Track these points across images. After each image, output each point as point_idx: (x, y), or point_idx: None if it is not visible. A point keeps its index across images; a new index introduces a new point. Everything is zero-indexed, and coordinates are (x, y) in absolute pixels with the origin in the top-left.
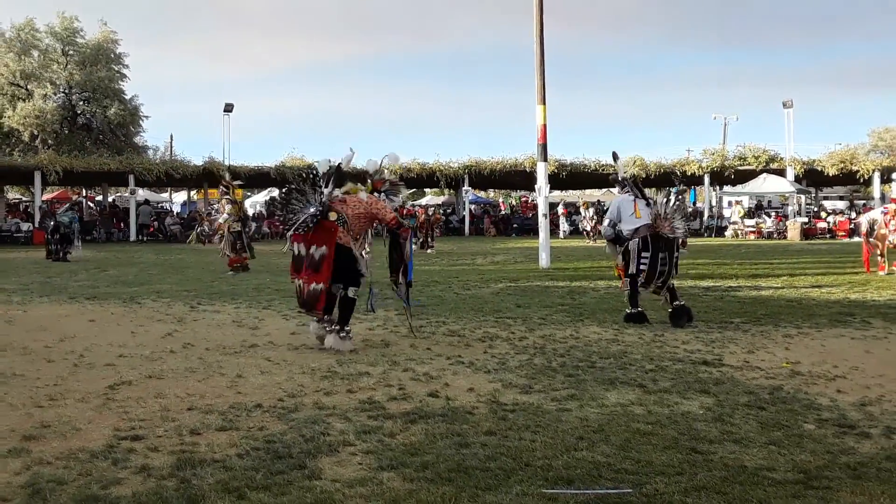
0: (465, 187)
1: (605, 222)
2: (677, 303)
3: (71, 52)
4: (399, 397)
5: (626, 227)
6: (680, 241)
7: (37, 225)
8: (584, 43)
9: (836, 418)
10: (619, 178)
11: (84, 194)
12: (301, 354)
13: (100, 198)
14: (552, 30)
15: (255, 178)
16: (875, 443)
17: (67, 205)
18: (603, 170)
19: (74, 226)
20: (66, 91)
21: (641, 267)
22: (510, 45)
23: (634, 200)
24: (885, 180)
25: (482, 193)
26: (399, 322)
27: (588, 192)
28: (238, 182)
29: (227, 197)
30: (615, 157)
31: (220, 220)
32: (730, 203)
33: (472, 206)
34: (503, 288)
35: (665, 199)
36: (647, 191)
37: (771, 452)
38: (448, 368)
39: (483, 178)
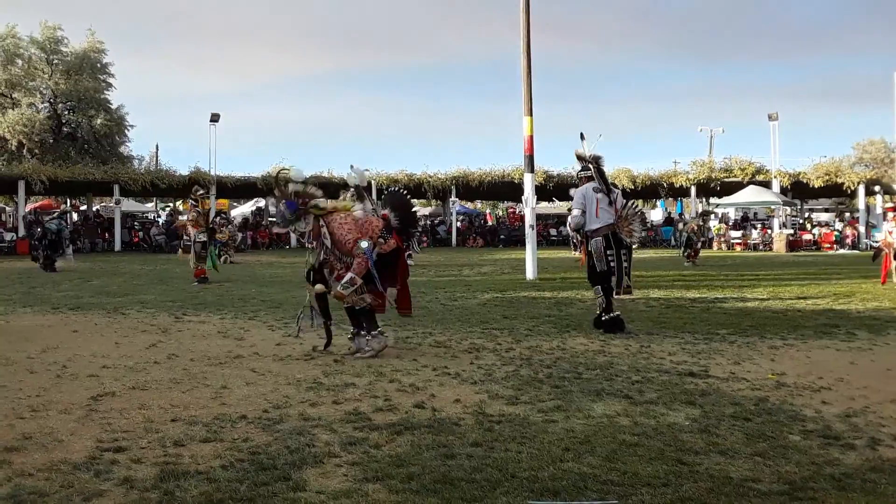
0: (453, 198)
1: (575, 211)
2: (614, 314)
3: (56, 62)
4: (385, 408)
5: (587, 225)
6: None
7: (20, 235)
8: (572, 55)
9: (821, 429)
10: (585, 156)
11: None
12: (286, 365)
13: (84, 207)
14: (539, 42)
15: (242, 189)
16: (860, 454)
17: (56, 213)
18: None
19: (63, 233)
20: (51, 100)
21: (611, 264)
22: (497, 57)
23: (597, 196)
24: (870, 192)
25: (469, 204)
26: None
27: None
28: (202, 192)
29: (197, 209)
30: (581, 137)
31: (183, 219)
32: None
33: (459, 217)
34: (490, 299)
35: (625, 202)
36: (634, 201)
37: (756, 464)
38: (434, 379)
39: (470, 189)
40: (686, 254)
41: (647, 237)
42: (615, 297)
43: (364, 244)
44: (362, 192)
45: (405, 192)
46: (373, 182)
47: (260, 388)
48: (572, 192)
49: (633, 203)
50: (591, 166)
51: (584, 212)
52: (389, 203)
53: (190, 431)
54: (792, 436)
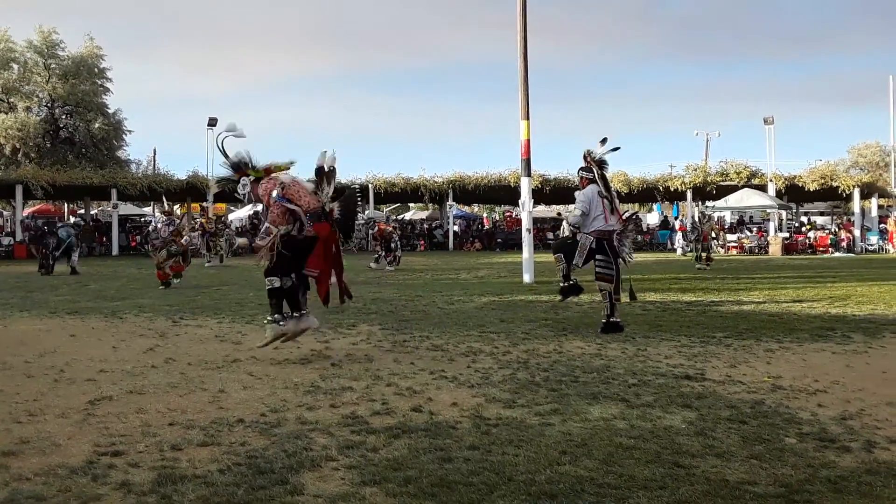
0: (450, 202)
1: (577, 211)
2: (614, 319)
3: (53, 66)
4: (382, 412)
5: (591, 223)
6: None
7: (17, 239)
8: (568, 58)
9: (817, 432)
10: (592, 155)
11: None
12: (284, 369)
13: (81, 211)
14: (536, 45)
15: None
16: (855, 457)
17: (73, 221)
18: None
19: (72, 240)
20: (49, 105)
21: (604, 272)
22: (495, 60)
23: (602, 200)
24: (865, 196)
25: (466, 208)
26: (382, 336)
27: (571, 206)
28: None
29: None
30: (603, 141)
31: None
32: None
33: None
34: (487, 302)
35: (628, 218)
36: (629, 206)
37: (752, 466)
38: (431, 383)
39: (467, 192)
40: (706, 258)
41: (644, 241)
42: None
43: (275, 193)
44: (324, 176)
45: (359, 195)
46: (370, 185)
47: (257, 392)
48: (577, 193)
49: (630, 222)
50: (594, 169)
51: (584, 213)
52: (343, 199)
53: (187, 435)
54: (788, 438)
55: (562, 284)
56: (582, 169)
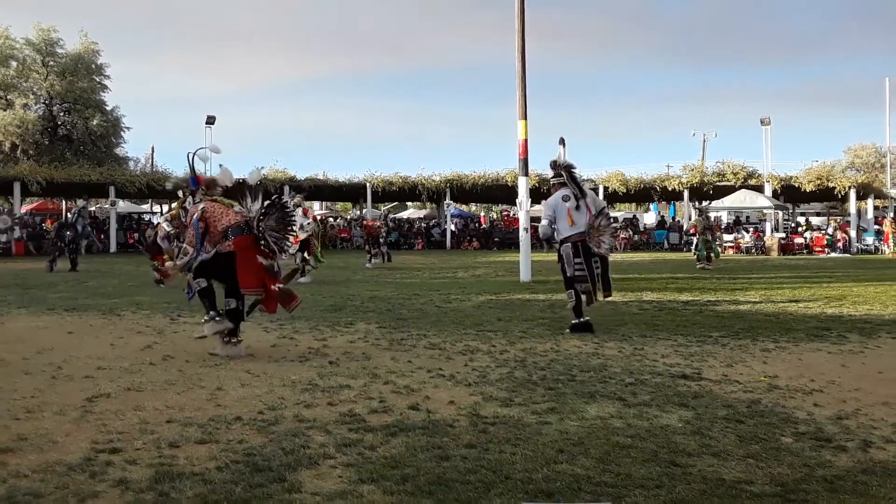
0: (447, 201)
1: (544, 222)
2: (583, 319)
3: (51, 63)
4: (380, 410)
5: (560, 234)
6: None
7: (16, 236)
8: (566, 60)
9: (813, 432)
10: (557, 163)
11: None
12: (281, 367)
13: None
14: (534, 46)
15: (236, 191)
16: (851, 456)
17: (75, 212)
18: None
19: (87, 229)
20: (47, 101)
21: (577, 273)
22: (493, 61)
23: (566, 205)
24: (861, 197)
25: (464, 207)
26: (380, 335)
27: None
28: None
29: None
30: (561, 142)
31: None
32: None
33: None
34: (484, 301)
35: (603, 206)
36: (626, 206)
37: (749, 466)
38: (429, 381)
39: (465, 191)
40: (707, 258)
41: (641, 240)
42: (596, 300)
43: (194, 218)
44: (247, 190)
45: (288, 209)
46: (368, 184)
47: (255, 390)
48: (543, 202)
49: (606, 215)
50: (563, 173)
51: (552, 221)
52: (271, 211)
53: (185, 433)
54: (784, 438)
55: (573, 321)
56: (554, 176)
